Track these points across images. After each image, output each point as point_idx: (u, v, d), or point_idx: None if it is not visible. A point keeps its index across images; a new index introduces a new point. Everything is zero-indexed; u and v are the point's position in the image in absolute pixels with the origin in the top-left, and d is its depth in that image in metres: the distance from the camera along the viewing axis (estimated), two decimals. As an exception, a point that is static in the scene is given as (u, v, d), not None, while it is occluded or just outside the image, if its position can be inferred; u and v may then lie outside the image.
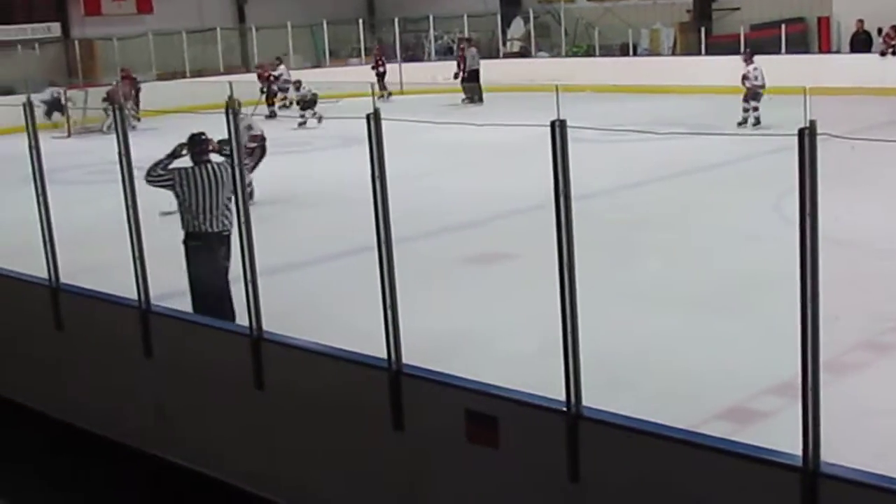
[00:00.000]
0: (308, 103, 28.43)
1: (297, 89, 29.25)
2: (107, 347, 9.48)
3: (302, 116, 27.78)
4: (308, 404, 7.71)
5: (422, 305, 8.93)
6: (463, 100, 31.26)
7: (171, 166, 9.79)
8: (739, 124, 22.83)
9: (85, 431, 9.56)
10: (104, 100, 27.42)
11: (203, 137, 9.99)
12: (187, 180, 9.75)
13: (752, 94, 23.08)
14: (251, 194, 15.76)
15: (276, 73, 31.54)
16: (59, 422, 9.83)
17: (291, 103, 30.52)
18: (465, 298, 11.10)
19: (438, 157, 19.56)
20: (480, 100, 31.36)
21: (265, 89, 30.71)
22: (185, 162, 9.88)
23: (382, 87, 33.09)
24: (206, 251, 9.83)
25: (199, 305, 9.66)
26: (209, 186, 9.75)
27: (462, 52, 32.72)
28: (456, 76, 31.74)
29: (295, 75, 30.39)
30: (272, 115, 29.52)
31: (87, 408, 9.72)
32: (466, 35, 36.03)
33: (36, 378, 10.26)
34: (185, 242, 9.90)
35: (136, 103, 28.61)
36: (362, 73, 33.58)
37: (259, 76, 31.45)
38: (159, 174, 9.72)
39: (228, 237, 9.76)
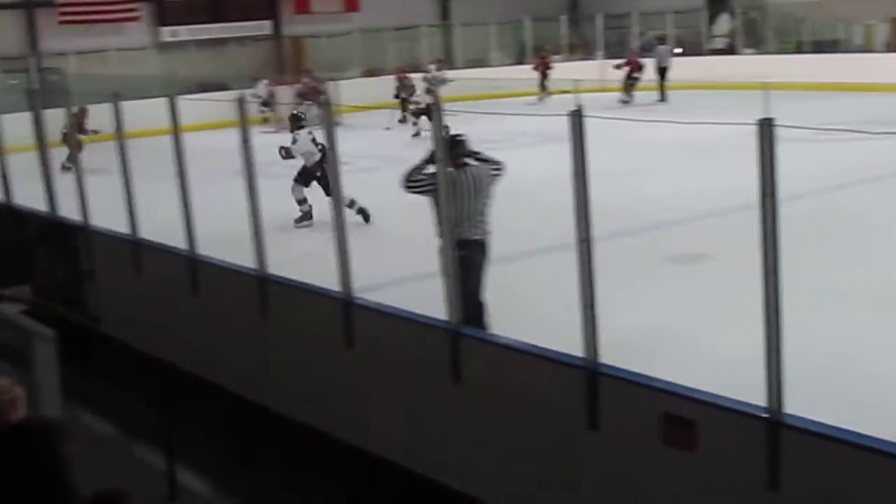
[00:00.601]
0: (423, 111, 26.33)
1: (410, 95, 27.82)
2: (309, 337, 9.70)
3: (415, 124, 26.58)
4: (503, 400, 7.73)
5: (620, 304, 8.85)
6: (621, 99, 30.65)
7: (427, 171, 9.21)
8: None
9: (286, 417, 9.81)
10: (297, 96, 28.27)
11: (463, 139, 9.49)
12: (448, 185, 9.07)
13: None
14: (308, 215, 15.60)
15: (429, 76, 30.69)
16: (262, 406, 10.11)
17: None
18: (663, 298, 10.95)
19: (637, 155, 19.36)
20: (663, 97, 30.99)
21: (399, 94, 29.28)
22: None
23: (542, 87, 32.77)
24: (465, 260, 9.03)
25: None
26: (469, 191, 9.29)
27: (634, 51, 32.49)
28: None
29: (494, 73, 30.33)
30: (403, 121, 28.39)
31: (288, 395, 9.97)
32: (660, 33, 35.45)
33: (241, 364, 10.58)
34: (441, 250, 9.12)
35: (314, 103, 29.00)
36: (565, 70, 33.47)
37: (401, 80, 30.28)
38: (419, 179, 9.16)
39: (486, 244, 9.40)
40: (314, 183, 15.57)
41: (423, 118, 25.67)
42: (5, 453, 3.87)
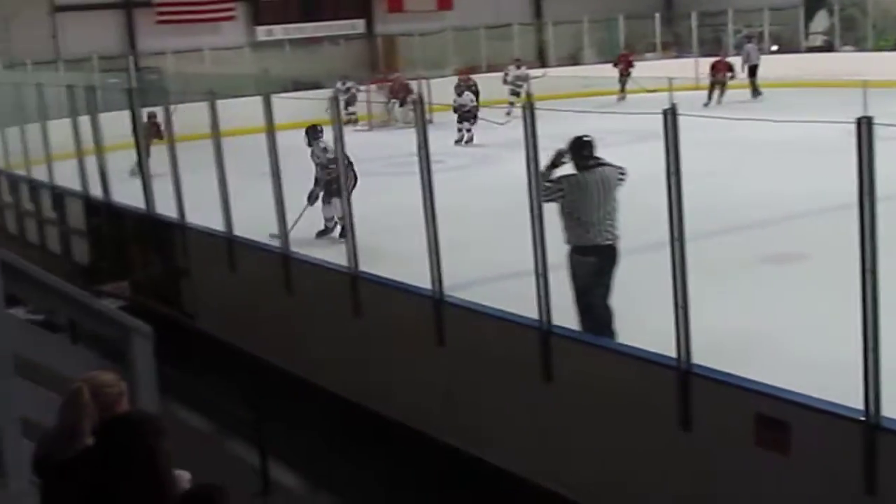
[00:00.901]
0: (466, 115, 24.62)
1: (459, 94, 25.58)
2: (400, 334, 9.75)
3: (459, 131, 24.57)
4: (594, 399, 7.70)
5: (713, 304, 8.76)
6: (705, 104, 29.96)
7: (552, 176, 8.90)
8: None
9: (377, 414, 9.87)
10: (388, 95, 28.43)
11: (589, 139, 9.15)
12: (578, 188, 8.90)
13: None
14: (331, 230, 14.57)
15: (508, 76, 30.31)
16: (354, 403, 10.17)
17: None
18: (757, 299, 10.80)
19: (730, 154, 19.12)
20: (757, 94, 30.53)
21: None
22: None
23: (622, 87, 32.33)
24: (594, 266, 8.98)
25: (585, 321, 8.95)
26: (599, 194, 8.90)
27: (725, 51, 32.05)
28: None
29: (586, 71, 30.09)
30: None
31: (379, 391, 10.02)
32: (749, 31, 34.93)
33: (333, 361, 10.65)
34: (571, 255, 9.04)
35: (403, 101, 28.86)
36: (658, 68, 33.16)
37: (391, 88, 29.87)
38: (547, 187, 8.62)
39: (616, 250, 9.04)
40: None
41: (465, 123, 24.55)
42: (106, 444, 3.93)
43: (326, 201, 14.84)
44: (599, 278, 8.97)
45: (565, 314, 8.37)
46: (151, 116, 17.65)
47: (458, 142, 24.23)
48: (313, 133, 15.12)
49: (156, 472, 3.83)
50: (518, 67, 30.75)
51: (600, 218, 8.89)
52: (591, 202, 8.85)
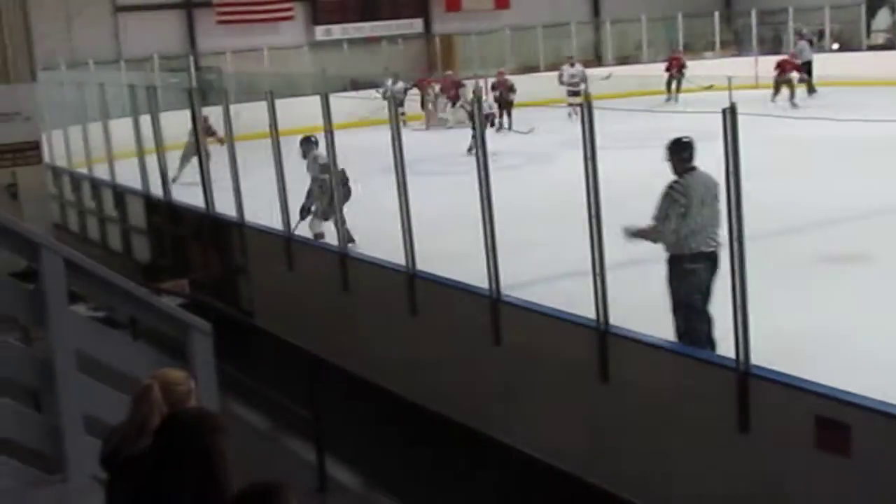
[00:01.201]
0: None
1: (461, 101, 24.20)
2: (457, 333, 9.76)
3: (472, 137, 22.33)
4: (652, 400, 7.66)
5: (773, 305, 8.69)
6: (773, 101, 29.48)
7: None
8: None
9: (434, 412, 9.88)
10: (437, 95, 28.44)
11: (689, 141, 8.63)
12: (684, 194, 8.49)
13: None
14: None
15: (563, 76, 29.77)
16: (410, 401, 10.19)
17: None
18: (818, 299, 10.70)
19: (790, 153, 18.94)
20: (812, 91, 30.18)
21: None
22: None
23: (669, 88, 31.99)
24: (697, 273, 8.61)
25: (685, 328, 8.64)
26: (701, 198, 8.44)
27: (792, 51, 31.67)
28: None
29: (644, 70, 29.79)
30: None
31: (435, 390, 10.03)
32: (801, 28, 34.52)
33: (390, 359, 10.69)
34: (672, 262, 8.70)
35: (454, 101, 28.74)
36: (717, 67, 32.90)
37: (443, 86, 29.59)
38: (655, 226, 8.40)
39: (718, 257, 8.52)
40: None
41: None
42: (163, 441, 3.96)
43: (320, 217, 13.81)
44: (700, 286, 8.62)
45: (623, 314, 8.32)
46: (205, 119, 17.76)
47: (470, 150, 23.06)
48: (307, 144, 14.27)
49: (211, 469, 3.84)
50: (572, 66, 30.47)
51: (703, 223, 8.45)
52: (696, 207, 8.44)
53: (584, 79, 29.06)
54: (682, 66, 32.33)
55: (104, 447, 4.59)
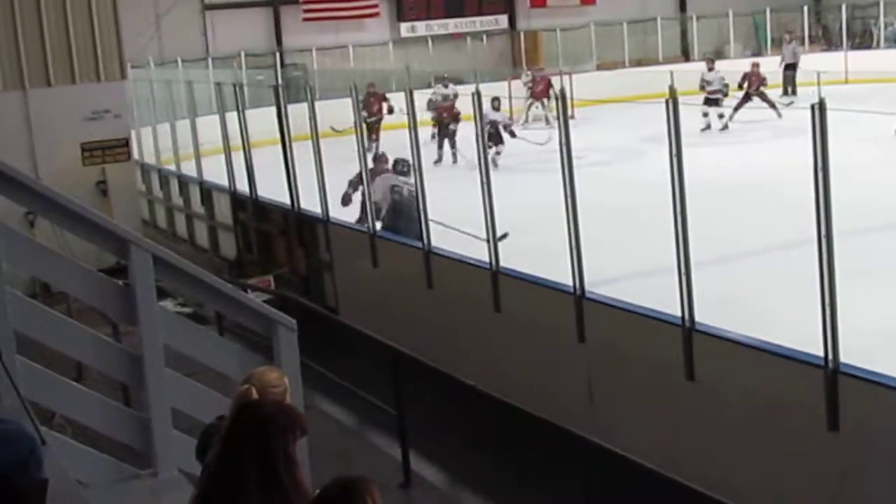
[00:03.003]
0: (493, 136, 19.61)
1: (496, 109, 20.89)
2: (541, 330, 9.74)
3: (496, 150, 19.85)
4: (739, 399, 7.59)
5: (862, 303, 8.54)
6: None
7: None
8: None
9: (518, 409, 9.86)
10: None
11: None
12: None
13: None
14: None
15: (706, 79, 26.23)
16: (494, 398, 10.18)
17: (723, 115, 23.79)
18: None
19: (879, 149, 18.61)
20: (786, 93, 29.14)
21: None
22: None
23: (785, 90, 31.14)
24: None
25: None
26: None
27: None
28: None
29: (732, 66, 29.34)
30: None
31: (520, 386, 10.01)
32: (792, 31, 33.67)
33: (474, 355, 10.69)
34: None
35: (548, 99, 28.40)
36: (806, 62, 32.41)
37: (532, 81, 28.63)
38: None
39: None
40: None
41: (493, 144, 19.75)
42: (235, 435, 3.98)
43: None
44: None
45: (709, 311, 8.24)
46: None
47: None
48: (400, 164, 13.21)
49: (272, 469, 3.84)
50: (710, 70, 26.12)
51: None
52: None
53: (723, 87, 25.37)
54: (761, 84, 25.92)
55: (200, 442, 4.66)
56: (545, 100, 28.13)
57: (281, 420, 4.02)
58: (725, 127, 23.61)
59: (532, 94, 28.55)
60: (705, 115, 23.16)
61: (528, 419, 9.57)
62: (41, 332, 6.30)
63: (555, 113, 25.31)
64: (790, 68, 30.73)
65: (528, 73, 30.11)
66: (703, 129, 20.47)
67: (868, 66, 30.99)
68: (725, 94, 24.96)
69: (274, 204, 15.07)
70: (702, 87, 25.23)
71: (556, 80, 27.00)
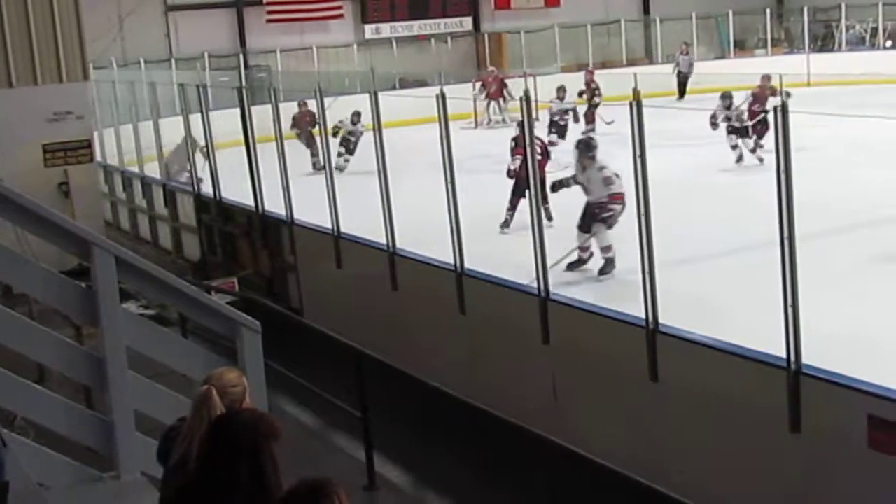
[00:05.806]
0: (344, 141, 19.30)
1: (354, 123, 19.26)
2: (505, 332, 9.74)
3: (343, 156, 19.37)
4: (701, 399, 7.62)
5: (825, 305, 8.59)
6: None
7: None
8: None
9: (482, 410, 9.87)
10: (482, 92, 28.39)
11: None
12: None
13: None
14: (585, 261, 11.65)
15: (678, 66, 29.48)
16: (458, 399, 10.19)
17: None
18: (874, 300, 10.55)
19: (846, 151, 18.74)
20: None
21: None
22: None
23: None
24: None
25: None
26: None
27: None
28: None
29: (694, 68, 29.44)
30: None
31: (484, 387, 10.02)
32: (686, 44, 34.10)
33: (439, 357, 10.68)
34: None
35: (504, 99, 28.41)
36: (768, 65, 32.60)
37: (484, 83, 28.56)
38: None
39: None
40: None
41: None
42: (215, 443, 3.97)
43: (584, 229, 11.82)
44: None
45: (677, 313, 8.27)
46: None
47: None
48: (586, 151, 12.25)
49: (261, 473, 3.85)
50: (685, 53, 30.47)
51: None
52: None
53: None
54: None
55: (161, 445, 4.64)
56: (500, 99, 28.18)
57: (265, 425, 4.01)
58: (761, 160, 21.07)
59: (487, 95, 28.54)
60: (734, 146, 21.17)
61: (493, 420, 9.59)
62: (2, 334, 6.25)
63: (513, 113, 25.46)
64: (683, 77, 31.41)
65: (478, 83, 29.76)
66: (737, 161, 19.24)
67: (830, 69, 31.24)
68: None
69: (238, 205, 15.02)
70: (713, 122, 19.79)
71: (520, 82, 27.05)
